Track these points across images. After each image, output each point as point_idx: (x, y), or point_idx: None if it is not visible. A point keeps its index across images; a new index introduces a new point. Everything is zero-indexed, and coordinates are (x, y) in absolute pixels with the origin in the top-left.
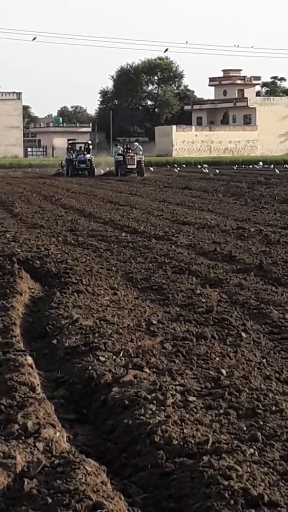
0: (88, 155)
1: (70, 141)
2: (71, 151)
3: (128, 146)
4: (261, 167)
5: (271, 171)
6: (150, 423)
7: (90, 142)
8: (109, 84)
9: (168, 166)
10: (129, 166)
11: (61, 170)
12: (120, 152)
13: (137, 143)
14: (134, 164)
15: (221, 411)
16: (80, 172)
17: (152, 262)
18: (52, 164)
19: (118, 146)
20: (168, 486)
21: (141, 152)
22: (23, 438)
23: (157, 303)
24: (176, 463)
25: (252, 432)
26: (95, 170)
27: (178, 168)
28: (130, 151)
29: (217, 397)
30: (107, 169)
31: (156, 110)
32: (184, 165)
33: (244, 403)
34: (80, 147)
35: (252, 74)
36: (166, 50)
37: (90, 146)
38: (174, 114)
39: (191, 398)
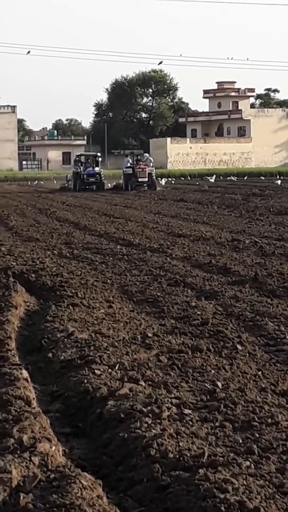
0: (97, 168)
1: (78, 154)
2: (79, 164)
3: (139, 157)
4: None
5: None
6: (146, 436)
7: (99, 154)
8: (103, 97)
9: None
10: (140, 179)
11: (66, 184)
12: (129, 164)
13: (147, 154)
14: (145, 177)
15: (217, 423)
16: (88, 187)
17: (147, 274)
18: (47, 177)
19: (127, 158)
20: (164, 499)
21: (151, 164)
22: (18, 452)
23: (152, 316)
24: (172, 476)
25: (248, 445)
26: (104, 184)
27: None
28: (141, 163)
29: (212, 409)
30: (114, 183)
31: (150, 122)
32: (189, 178)
33: (240, 416)
34: (88, 160)
35: (246, 86)
36: (161, 62)
37: (99, 159)
38: (168, 126)
39: (186, 411)
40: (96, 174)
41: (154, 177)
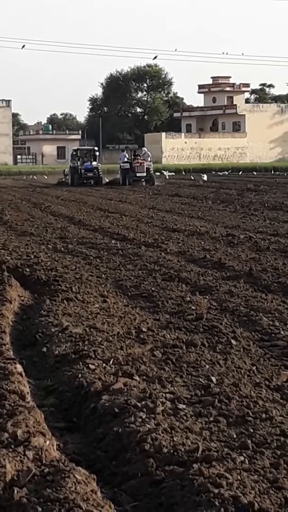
0: (94, 163)
1: (75, 148)
2: (76, 158)
3: (136, 152)
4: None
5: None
6: (140, 431)
7: (96, 148)
8: (98, 92)
9: (158, 173)
10: (138, 174)
11: (64, 179)
12: (126, 159)
13: (145, 149)
14: (143, 172)
15: (211, 418)
16: (86, 181)
17: (142, 269)
18: (42, 171)
19: (124, 153)
20: (158, 494)
21: (149, 159)
22: (12, 446)
23: (147, 311)
24: (166, 471)
25: (242, 440)
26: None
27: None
28: (139, 157)
29: (207, 404)
30: (111, 178)
31: (145, 117)
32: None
33: (234, 411)
34: (86, 154)
35: (241, 81)
36: (155, 57)
37: (97, 153)
38: (163, 121)
39: (181, 406)
40: (94, 168)
41: (152, 171)
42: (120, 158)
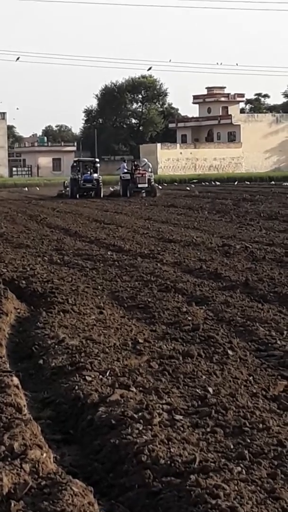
0: (95, 175)
1: (75, 159)
2: (76, 170)
3: (136, 163)
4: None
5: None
6: (137, 443)
7: (97, 160)
8: (93, 103)
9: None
10: (139, 185)
11: (64, 191)
12: (125, 170)
13: (146, 160)
14: (145, 183)
15: (208, 429)
16: (86, 193)
17: (138, 280)
18: (37, 183)
19: (124, 164)
20: (155, 505)
21: (150, 170)
22: (9, 459)
23: (143, 322)
24: (163, 482)
25: (239, 450)
26: (102, 190)
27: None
28: (140, 168)
29: (204, 415)
30: (111, 189)
31: (140, 128)
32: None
33: (231, 421)
34: (86, 166)
35: (236, 91)
36: (150, 68)
37: (98, 165)
38: (158, 132)
39: (177, 417)
40: (93, 179)
41: (153, 183)
42: (120, 169)
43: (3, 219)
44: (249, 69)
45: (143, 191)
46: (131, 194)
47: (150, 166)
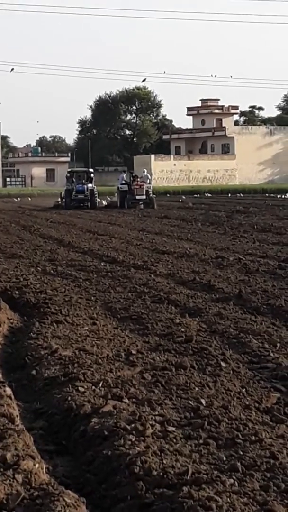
0: (90, 185)
1: (69, 170)
2: (70, 181)
3: (134, 173)
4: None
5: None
6: (130, 454)
7: (91, 170)
8: (87, 114)
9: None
10: (137, 197)
11: (60, 202)
12: (124, 181)
13: (145, 171)
14: (143, 194)
15: (201, 441)
16: (82, 204)
17: (131, 291)
18: (31, 194)
19: (122, 175)
20: None
21: (148, 181)
22: (2, 470)
23: (136, 333)
24: (155, 494)
25: (231, 462)
26: (97, 201)
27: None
28: (138, 179)
29: (196, 427)
30: (108, 199)
31: (134, 139)
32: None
33: (224, 433)
34: (79, 176)
35: (230, 103)
36: (144, 80)
37: (92, 175)
38: (152, 143)
39: (170, 429)
40: (86, 190)
41: (151, 194)
42: (119, 180)
43: None
44: (243, 81)
45: (141, 202)
46: (129, 205)
47: (149, 177)
